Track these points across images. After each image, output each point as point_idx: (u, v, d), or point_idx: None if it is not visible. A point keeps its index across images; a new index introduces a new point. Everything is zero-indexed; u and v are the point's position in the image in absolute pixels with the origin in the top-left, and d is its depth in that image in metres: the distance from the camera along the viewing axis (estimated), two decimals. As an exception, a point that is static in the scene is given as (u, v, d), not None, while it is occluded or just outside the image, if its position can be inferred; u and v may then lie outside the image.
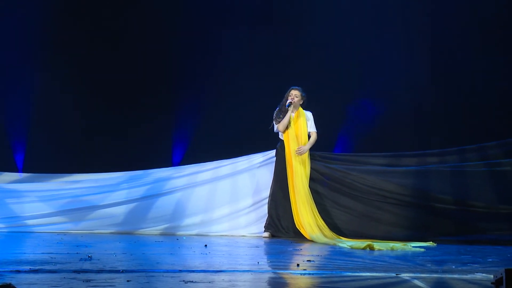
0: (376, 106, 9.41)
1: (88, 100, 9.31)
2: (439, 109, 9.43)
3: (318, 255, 5.87)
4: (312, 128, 7.90)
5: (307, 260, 5.27)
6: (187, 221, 7.84)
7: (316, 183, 7.78)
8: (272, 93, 8.42)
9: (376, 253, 6.24)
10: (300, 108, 7.91)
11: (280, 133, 7.88)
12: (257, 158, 8.09)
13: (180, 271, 4.39)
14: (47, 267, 4.40)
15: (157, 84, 9.48)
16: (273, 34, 9.52)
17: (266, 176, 7.99)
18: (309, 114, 7.92)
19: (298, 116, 7.88)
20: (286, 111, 7.81)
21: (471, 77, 9.39)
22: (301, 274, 4.47)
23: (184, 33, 9.49)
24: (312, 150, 7.89)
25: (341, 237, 7.41)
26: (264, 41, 9.50)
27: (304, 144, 7.80)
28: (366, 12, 9.53)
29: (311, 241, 7.31)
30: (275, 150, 7.95)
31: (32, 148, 9.07)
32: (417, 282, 4.16)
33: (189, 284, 3.86)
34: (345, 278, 4.37)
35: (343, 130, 9.39)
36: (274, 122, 7.88)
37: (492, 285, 3.49)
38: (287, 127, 7.81)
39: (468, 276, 4.49)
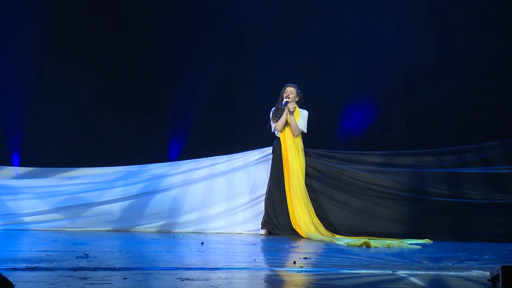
0: (373, 104, 9.41)
1: (85, 94, 9.28)
2: (438, 107, 9.42)
3: (315, 253, 5.87)
4: (302, 128, 7.80)
5: (304, 258, 5.27)
6: (184, 218, 7.83)
7: (312, 179, 7.78)
8: (269, 89, 8.41)
9: (372, 250, 6.25)
10: (296, 106, 7.87)
11: (276, 132, 7.87)
12: (254, 155, 8.08)
13: (177, 268, 4.39)
14: (43, 265, 4.39)
15: (154, 78, 9.46)
16: (269, 32, 9.50)
17: (263, 173, 7.99)
18: (304, 112, 7.86)
19: (294, 114, 7.84)
20: (283, 110, 7.79)
21: (470, 76, 9.38)
22: (297, 271, 4.48)
23: (181, 29, 9.47)
24: (309, 147, 7.88)
25: (337, 235, 7.42)
26: (263, 38, 9.48)
27: (298, 141, 7.76)
28: (364, 9, 9.52)
29: (308, 238, 7.31)
30: (271, 147, 7.94)
31: (28, 142, 9.04)
32: (413, 279, 4.17)
33: (185, 281, 3.86)
34: (342, 276, 4.37)
35: (339, 128, 9.39)
36: (271, 121, 7.87)
37: (489, 282, 3.49)
38: (284, 126, 7.80)
39: (465, 273, 4.50)
